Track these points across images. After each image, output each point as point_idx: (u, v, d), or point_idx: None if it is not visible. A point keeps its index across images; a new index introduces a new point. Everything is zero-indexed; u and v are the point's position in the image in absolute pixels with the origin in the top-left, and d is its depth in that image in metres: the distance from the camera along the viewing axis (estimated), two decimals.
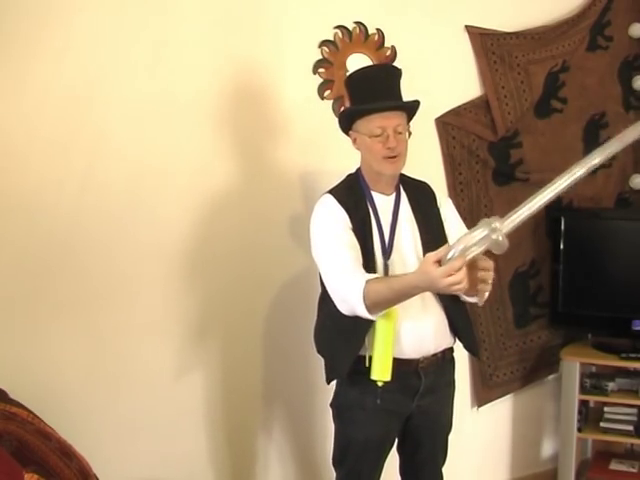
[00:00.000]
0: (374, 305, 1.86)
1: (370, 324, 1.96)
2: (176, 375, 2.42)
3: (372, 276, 1.92)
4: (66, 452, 1.66)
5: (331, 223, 2.03)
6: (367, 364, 1.98)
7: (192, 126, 2.40)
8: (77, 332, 2.25)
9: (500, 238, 1.64)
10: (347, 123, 2.10)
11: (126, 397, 2.33)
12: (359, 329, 1.99)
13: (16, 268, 2.16)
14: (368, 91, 2.05)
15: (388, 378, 1.96)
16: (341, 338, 2.04)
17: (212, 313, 2.49)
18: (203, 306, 2.47)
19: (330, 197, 2.07)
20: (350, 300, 1.90)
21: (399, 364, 1.98)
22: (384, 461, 2.16)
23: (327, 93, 2.62)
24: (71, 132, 2.21)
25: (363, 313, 1.88)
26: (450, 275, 1.66)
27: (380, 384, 1.97)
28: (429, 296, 2.04)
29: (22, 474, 1.46)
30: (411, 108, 2.08)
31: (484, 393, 3.08)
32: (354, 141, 2.10)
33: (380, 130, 2.01)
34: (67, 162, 2.21)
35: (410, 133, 2.12)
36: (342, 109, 2.23)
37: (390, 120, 2.02)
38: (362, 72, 2.14)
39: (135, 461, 2.34)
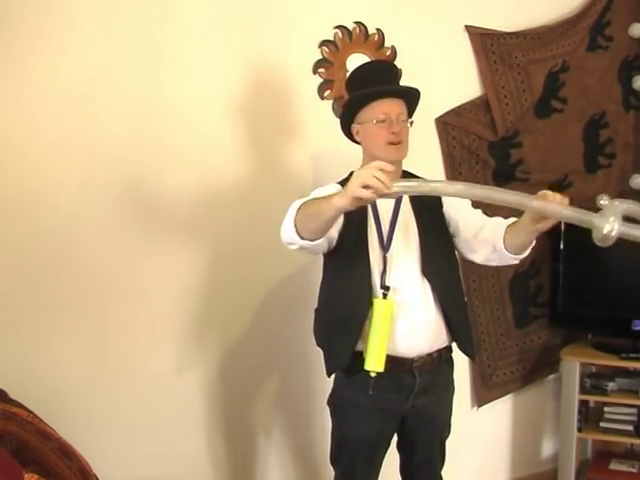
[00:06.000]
0: (300, 219, 1.82)
1: (367, 315, 1.96)
2: (176, 375, 2.42)
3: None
4: (66, 452, 1.67)
5: (322, 189, 2.03)
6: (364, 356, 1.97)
7: (192, 124, 2.40)
8: (77, 332, 2.25)
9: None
10: (350, 115, 2.10)
11: (126, 397, 2.33)
12: (356, 320, 1.98)
13: (15, 267, 2.16)
14: (368, 81, 2.07)
15: (381, 369, 1.95)
16: (338, 330, 2.04)
17: (211, 313, 2.49)
18: (202, 306, 2.47)
19: (333, 183, 2.09)
20: (286, 220, 1.87)
21: (393, 362, 1.98)
22: (380, 459, 2.15)
23: (327, 93, 2.62)
24: (71, 131, 2.21)
25: (291, 230, 1.84)
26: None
27: (373, 375, 1.96)
28: (427, 294, 2.03)
29: (22, 474, 1.46)
30: (412, 95, 2.10)
31: (484, 393, 3.08)
32: (356, 134, 2.11)
33: (384, 116, 2.03)
34: (67, 161, 2.21)
35: (412, 122, 2.11)
36: (344, 104, 2.23)
37: (393, 106, 2.04)
38: (361, 67, 2.17)
39: (135, 461, 2.34)
